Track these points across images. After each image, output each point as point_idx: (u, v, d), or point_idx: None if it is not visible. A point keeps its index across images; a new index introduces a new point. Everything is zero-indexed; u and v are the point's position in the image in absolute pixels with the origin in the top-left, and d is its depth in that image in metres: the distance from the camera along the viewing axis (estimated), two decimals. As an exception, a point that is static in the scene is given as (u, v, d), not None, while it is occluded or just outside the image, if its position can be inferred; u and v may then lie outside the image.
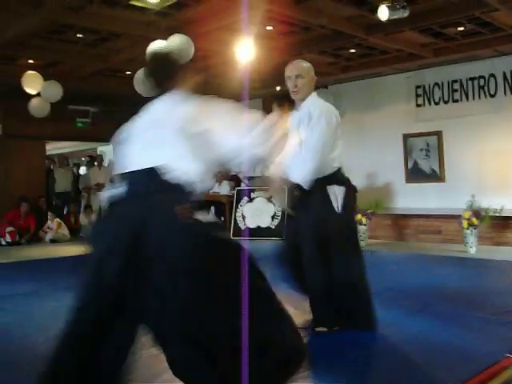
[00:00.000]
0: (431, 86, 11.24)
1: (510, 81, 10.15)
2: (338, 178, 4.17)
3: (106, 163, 14.59)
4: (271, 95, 13.14)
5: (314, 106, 4.37)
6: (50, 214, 11.29)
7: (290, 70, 4.43)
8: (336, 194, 4.03)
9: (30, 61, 10.67)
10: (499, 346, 3.60)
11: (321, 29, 9.09)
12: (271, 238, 10.42)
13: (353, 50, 10.49)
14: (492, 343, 3.72)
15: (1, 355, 3.72)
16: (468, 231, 8.38)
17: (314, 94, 4.47)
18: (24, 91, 10.36)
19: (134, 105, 12.84)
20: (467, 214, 8.38)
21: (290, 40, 9.68)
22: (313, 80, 4.49)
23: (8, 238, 10.53)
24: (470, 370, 3.16)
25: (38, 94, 10.59)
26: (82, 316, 2.64)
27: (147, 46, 8.17)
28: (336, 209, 4.00)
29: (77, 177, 13.84)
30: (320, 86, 12.65)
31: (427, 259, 7.93)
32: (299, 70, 4.43)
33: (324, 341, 3.90)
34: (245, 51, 8.43)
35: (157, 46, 8.18)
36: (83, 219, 12.17)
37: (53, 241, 10.83)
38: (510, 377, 3.13)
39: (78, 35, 9.25)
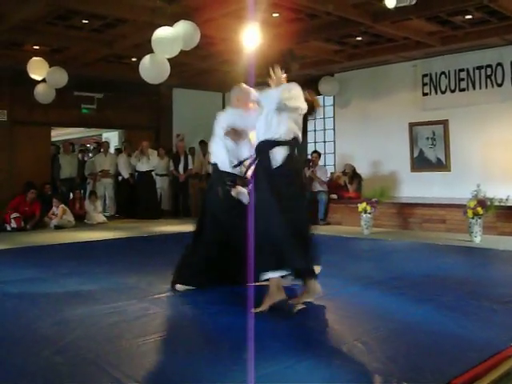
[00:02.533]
0: (438, 75, 11.19)
1: (518, 70, 10.11)
2: None
3: (111, 150, 14.60)
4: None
5: None
6: (54, 200, 11.27)
7: None
8: None
9: (36, 46, 10.66)
10: (503, 335, 3.60)
11: (327, 16, 9.05)
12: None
13: (359, 38, 10.44)
14: (496, 332, 3.71)
15: (6, 339, 3.74)
16: (473, 221, 8.35)
17: None
18: (29, 77, 10.36)
19: (139, 91, 12.93)
20: (472, 204, 8.34)
21: (296, 27, 9.64)
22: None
23: (13, 224, 10.54)
24: (474, 358, 3.16)
25: (44, 80, 10.59)
26: None
27: (153, 32, 8.17)
28: None
29: (82, 163, 13.84)
30: (326, 74, 12.62)
31: (432, 248, 7.91)
32: None
33: (324, 326, 3.92)
34: (251, 38, 8.39)
35: (162, 32, 8.16)
36: (88, 205, 12.18)
37: (58, 227, 10.83)
38: (513, 365, 3.13)
39: (83, 21, 9.24)
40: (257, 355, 3.31)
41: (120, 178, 13.33)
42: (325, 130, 13.97)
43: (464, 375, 2.92)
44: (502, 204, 8.61)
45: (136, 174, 12.97)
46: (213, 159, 5.13)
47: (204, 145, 14.13)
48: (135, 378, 2.96)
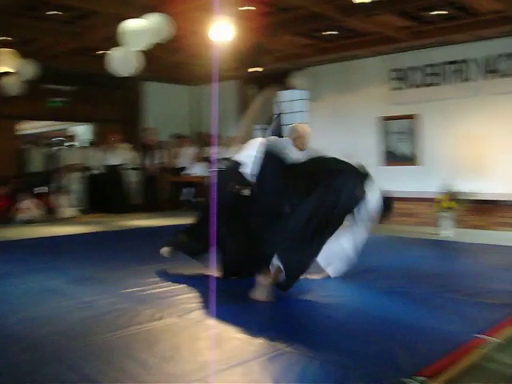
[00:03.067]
0: (408, 70, 11.27)
1: (485, 66, 10.21)
2: None
3: (81, 143, 14.42)
4: (248, 76, 13.08)
5: None
6: (23, 194, 11.13)
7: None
8: None
9: (3, 38, 10.45)
10: (470, 327, 3.65)
11: (298, 10, 9.04)
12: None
13: (331, 32, 10.45)
14: (463, 324, 3.77)
15: (-27, 336, 3.69)
16: (443, 214, 8.46)
17: None
18: (-4, 69, 10.18)
19: (109, 84, 12.79)
20: (442, 198, 8.45)
21: (267, 21, 9.60)
22: None
23: (-21, 219, 10.42)
24: (441, 349, 3.20)
25: (11, 73, 10.42)
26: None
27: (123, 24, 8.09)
28: None
29: (51, 157, 13.68)
30: (297, 68, 12.63)
31: (402, 241, 8.00)
32: None
33: (294, 320, 3.93)
34: (221, 32, 8.35)
35: (132, 24, 8.09)
36: (57, 200, 12.05)
37: (26, 221, 10.70)
38: (479, 357, 3.18)
39: (52, 12, 9.07)
40: (219, 351, 3.31)
41: (95, 171, 13.22)
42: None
43: (430, 366, 2.96)
44: (471, 198, 8.73)
45: (106, 167, 12.87)
46: (243, 158, 5.44)
47: (177, 138, 14.09)
48: (104, 374, 2.94)
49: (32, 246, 7.94)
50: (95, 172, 13.08)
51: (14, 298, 4.68)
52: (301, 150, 5.63)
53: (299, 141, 5.72)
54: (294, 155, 5.38)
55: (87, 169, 13.30)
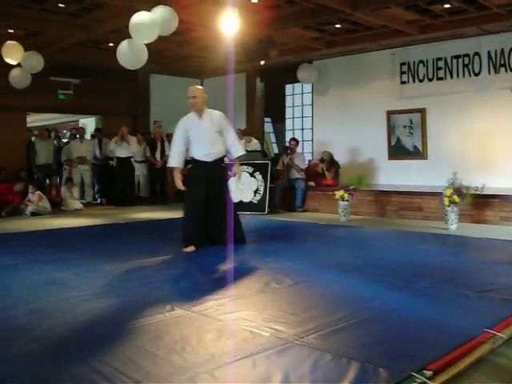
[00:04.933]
0: (416, 63, 11.23)
1: (494, 60, 10.16)
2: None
3: (88, 136, 14.43)
4: (255, 69, 13.07)
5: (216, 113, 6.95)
6: (30, 186, 11.15)
7: (190, 92, 6.76)
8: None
9: (10, 30, 10.48)
10: (478, 322, 3.64)
11: (306, 3, 9.02)
12: (253, 213, 10.42)
13: (338, 25, 10.43)
14: (471, 319, 3.76)
15: (-19, 327, 3.70)
16: (449, 208, 8.42)
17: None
18: (4, 61, 10.19)
19: (116, 77, 12.82)
20: (448, 192, 8.41)
21: (275, 14, 9.60)
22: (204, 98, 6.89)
23: (-11, 211, 10.45)
24: (449, 344, 3.19)
25: (19, 65, 10.43)
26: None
27: (130, 17, 8.09)
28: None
29: (58, 149, 13.70)
30: (304, 61, 12.60)
31: (408, 236, 7.97)
32: (194, 93, 6.74)
33: (300, 312, 3.93)
34: (229, 25, 8.33)
35: (140, 17, 8.08)
36: (64, 192, 12.08)
37: (33, 213, 10.72)
38: (486, 351, 3.17)
39: (59, 5, 9.09)
40: (227, 343, 3.31)
41: (103, 164, 13.25)
42: (303, 117, 13.98)
43: (439, 361, 2.95)
44: (478, 192, 8.69)
45: (114, 160, 12.87)
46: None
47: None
48: (112, 365, 2.95)
49: (39, 238, 7.96)
50: (103, 164, 13.10)
51: (20, 290, 4.68)
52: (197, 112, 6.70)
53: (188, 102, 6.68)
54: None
55: (95, 161, 13.33)
